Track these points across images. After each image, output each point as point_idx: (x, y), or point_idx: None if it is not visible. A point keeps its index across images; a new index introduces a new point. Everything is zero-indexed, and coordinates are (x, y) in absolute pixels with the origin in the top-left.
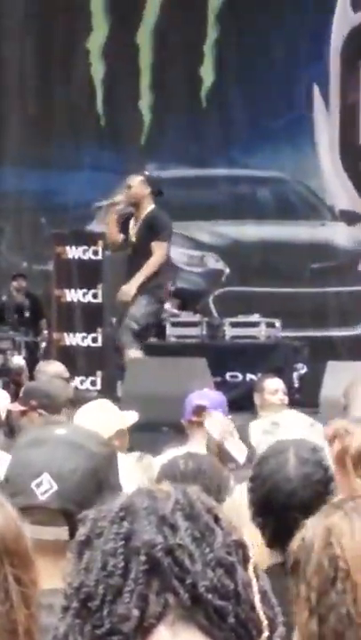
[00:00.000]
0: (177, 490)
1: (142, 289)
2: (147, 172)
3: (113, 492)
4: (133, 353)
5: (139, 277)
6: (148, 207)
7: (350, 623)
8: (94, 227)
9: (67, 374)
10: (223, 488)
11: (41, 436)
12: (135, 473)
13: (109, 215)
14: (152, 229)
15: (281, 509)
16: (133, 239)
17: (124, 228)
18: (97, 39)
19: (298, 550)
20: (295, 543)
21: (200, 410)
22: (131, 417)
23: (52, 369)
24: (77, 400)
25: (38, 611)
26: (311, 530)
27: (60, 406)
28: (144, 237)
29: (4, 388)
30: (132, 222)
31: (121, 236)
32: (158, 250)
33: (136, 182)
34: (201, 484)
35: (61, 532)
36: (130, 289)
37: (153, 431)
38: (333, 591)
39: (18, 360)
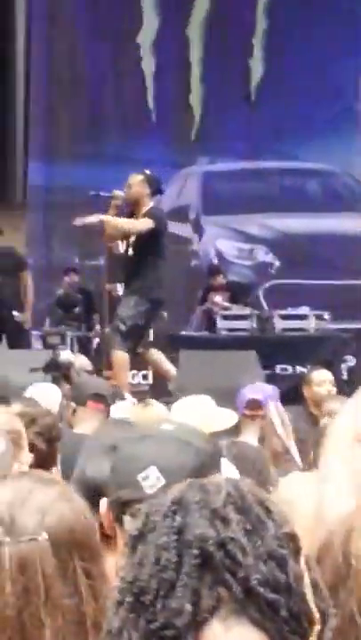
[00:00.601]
0: (228, 482)
1: (131, 289)
2: (147, 171)
3: None
4: (121, 355)
5: (116, 219)
6: (148, 205)
7: (352, 623)
8: None
9: (90, 367)
10: (266, 474)
11: (148, 431)
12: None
13: (109, 209)
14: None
15: None
16: (132, 238)
17: None
18: (148, 34)
19: (322, 544)
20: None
21: (253, 403)
22: (229, 418)
23: (76, 362)
24: (114, 395)
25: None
26: (337, 523)
27: (84, 399)
28: (142, 235)
29: (53, 383)
30: None
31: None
32: (140, 222)
33: (136, 181)
34: (243, 469)
35: None
36: (102, 217)
37: None
38: (343, 589)
39: (67, 355)
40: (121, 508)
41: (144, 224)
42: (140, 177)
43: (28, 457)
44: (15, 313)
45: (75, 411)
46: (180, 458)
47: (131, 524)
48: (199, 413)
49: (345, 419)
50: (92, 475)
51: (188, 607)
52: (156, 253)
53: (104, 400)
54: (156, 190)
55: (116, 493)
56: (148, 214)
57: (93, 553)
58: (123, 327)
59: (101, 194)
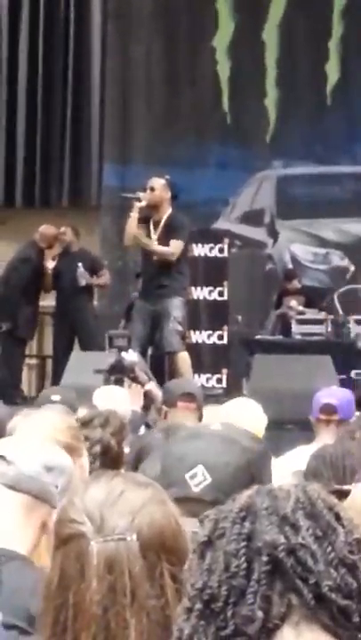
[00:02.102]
0: (297, 488)
1: (176, 291)
2: (167, 177)
3: None
4: (186, 355)
5: (152, 244)
6: (168, 211)
7: None
8: (220, 224)
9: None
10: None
11: (196, 430)
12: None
13: (134, 210)
14: (171, 230)
15: None
16: (155, 243)
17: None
18: (223, 37)
19: None
20: None
21: (328, 408)
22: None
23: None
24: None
25: None
26: None
27: (174, 400)
28: (166, 240)
29: (117, 384)
30: (151, 225)
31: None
32: (173, 246)
33: (159, 185)
34: (350, 464)
35: None
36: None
37: (278, 429)
38: None
39: (130, 356)
40: None
41: (176, 249)
42: (163, 181)
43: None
44: (80, 268)
45: (166, 414)
46: (226, 456)
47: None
48: (243, 417)
49: None
50: (151, 474)
51: (260, 614)
52: (185, 258)
53: (194, 398)
54: (175, 196)
55: (166, 491)
56: (173, 222)
57: (181, 557)
58: (180, 328)
59: (128, 195)
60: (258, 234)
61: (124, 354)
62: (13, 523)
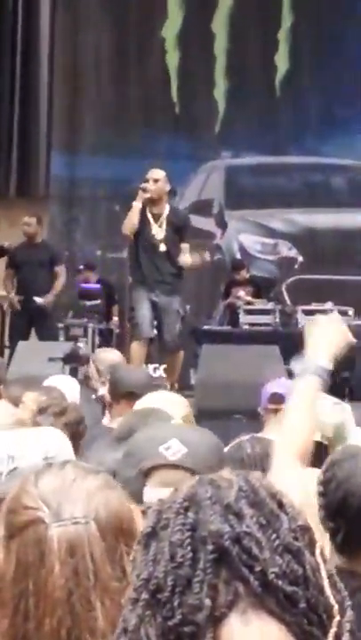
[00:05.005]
0: (239, 477)
1: (179, 288)
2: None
3: None
4: (181, 354)
5: (190, 260)
6: (167, 205)
7: None
8: None
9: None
10: None
11: (164, 421)
12: None
13: (138, 200)
14: (182, 230)
15: (355, 515)
16: (162, 235)
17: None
18: (172, 27)
19: None
20: None
21: (276, 398)
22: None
23: (108, 358)
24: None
25: None
26: None
27: (118, 397)
28: (175, 235)
29: (71, 374)
30: (150, 218)
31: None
32: (187, 251)
33: (162, 177)
34: (267, 467)
35: None
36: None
37: (226, 419)
38: None
39: (85, 347)
40: (143, 479)
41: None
42: (164, 173)
43: None
44: (36, 298)
45: (111, 405)
46: (197, 435)
47: (142, 522)
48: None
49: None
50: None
51: (208, 602)
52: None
53: (138, 396)
54: (173, 191)
55: (140, 464)
56: (187, 221)
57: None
58: (181, 327)
59: (140, 186)
60: (206, 224)
61: (80, 344)
62: None
